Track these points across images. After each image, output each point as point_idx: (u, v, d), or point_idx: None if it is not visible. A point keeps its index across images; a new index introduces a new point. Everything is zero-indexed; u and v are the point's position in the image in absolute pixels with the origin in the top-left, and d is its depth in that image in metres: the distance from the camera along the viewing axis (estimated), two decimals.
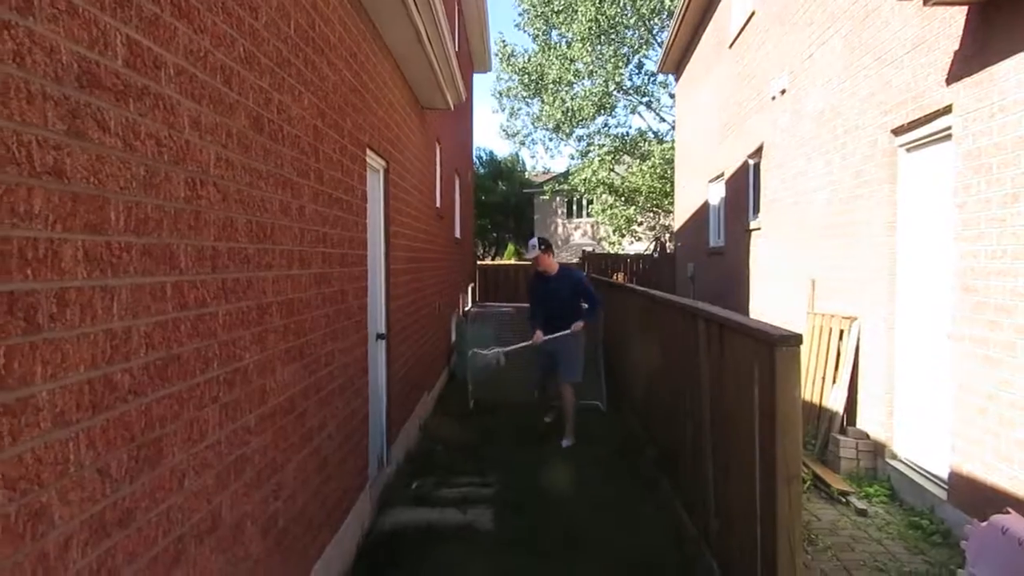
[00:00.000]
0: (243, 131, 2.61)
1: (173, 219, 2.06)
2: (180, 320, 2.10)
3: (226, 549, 2.43)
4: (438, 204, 9.33)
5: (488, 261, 28.31)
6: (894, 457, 5.49)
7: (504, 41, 26.13)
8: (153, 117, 1.94)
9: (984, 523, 3.46)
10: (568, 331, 6.79)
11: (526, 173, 40.51)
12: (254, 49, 2.72)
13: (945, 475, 4.71)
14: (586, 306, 7.06)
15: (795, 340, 2.81)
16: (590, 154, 25.42)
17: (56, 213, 1.52)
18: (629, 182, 23.99)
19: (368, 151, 4.85)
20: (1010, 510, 3.49)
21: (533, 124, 27.41)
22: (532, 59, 25.62)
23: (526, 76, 25.81)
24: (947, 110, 4.77)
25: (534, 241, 7.13)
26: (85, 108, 1.62)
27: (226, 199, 2.45)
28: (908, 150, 5.48)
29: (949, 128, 4.78)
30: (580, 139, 26.35)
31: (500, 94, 27.73)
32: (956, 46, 4.63)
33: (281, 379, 3.03)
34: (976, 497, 4.27)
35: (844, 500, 5.18)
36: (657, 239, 24.07)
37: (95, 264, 1.67)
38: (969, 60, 4.49)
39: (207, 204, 2.30)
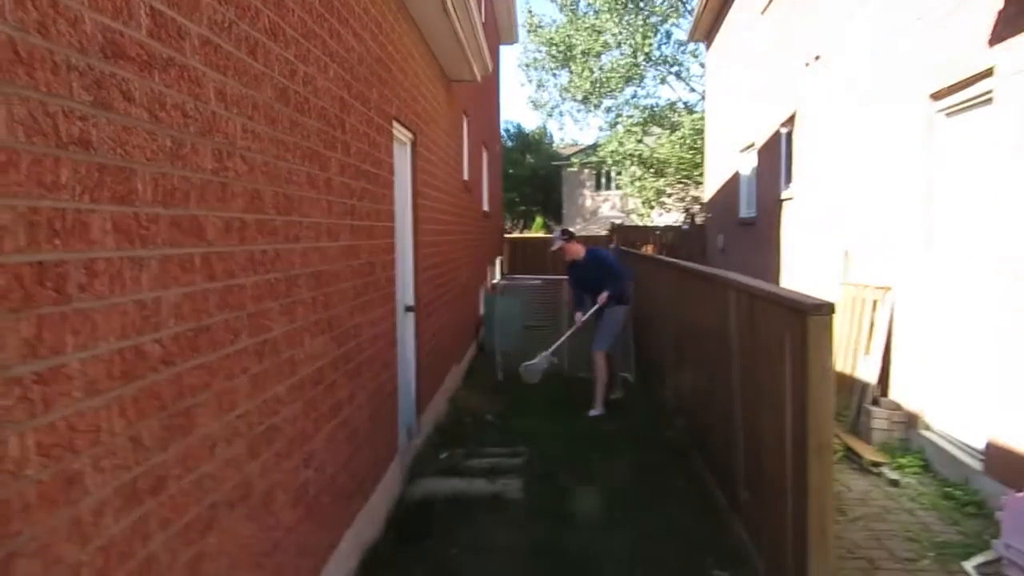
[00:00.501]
0: (269, 103, 2.61)
1: (200, 191, 2.06)
2: (209, 291, 2.12)
3: (258, 517, 2.47)
4: (465, 177, 9.30)
5: (516, 234, 28.22)
6: (928, 428, 5.40)
7: (531, 11, 25.83)
8: (179, 88, 1.94)
9: (1021, 494, 3.40)
10: (597, 305, 7.01)
11: (554, 145, 40.23)
12: (279, 20, 2.71)
13: (980, 446, 4.63)
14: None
15: (827, 308, 2.77)
16: (617, 126, 25.13)
17: (83, 184, 1.53)
18: (658, 154, 23.68)
19: (395, 123, 4.83)
20: None
21: (561, 95, 27.15)
22: (560, 30, 25.30)
23: (553, 47, 25.51)
24: (988, 73, 4.61)
25: (556, 233, 7.55)
26: (110, 79, 1.63)
27: (253, 171, 2.46)
28: (948, 115, 5.32)
29: (991, 92, 4.62)
30: (609, 110, 26.08)
31: (527, 66, 27.50)
32: (1000, 5, 4.46)
33: (310, 350, 3.05)
34: (1013, 468, 4.19)
35: (876, 471, 5.13)
36: (687, 210, 23.77)
37: (123, 235, 1.68)
38: (1013, 20, 4.32)
39: (234, 176, 2.30)
